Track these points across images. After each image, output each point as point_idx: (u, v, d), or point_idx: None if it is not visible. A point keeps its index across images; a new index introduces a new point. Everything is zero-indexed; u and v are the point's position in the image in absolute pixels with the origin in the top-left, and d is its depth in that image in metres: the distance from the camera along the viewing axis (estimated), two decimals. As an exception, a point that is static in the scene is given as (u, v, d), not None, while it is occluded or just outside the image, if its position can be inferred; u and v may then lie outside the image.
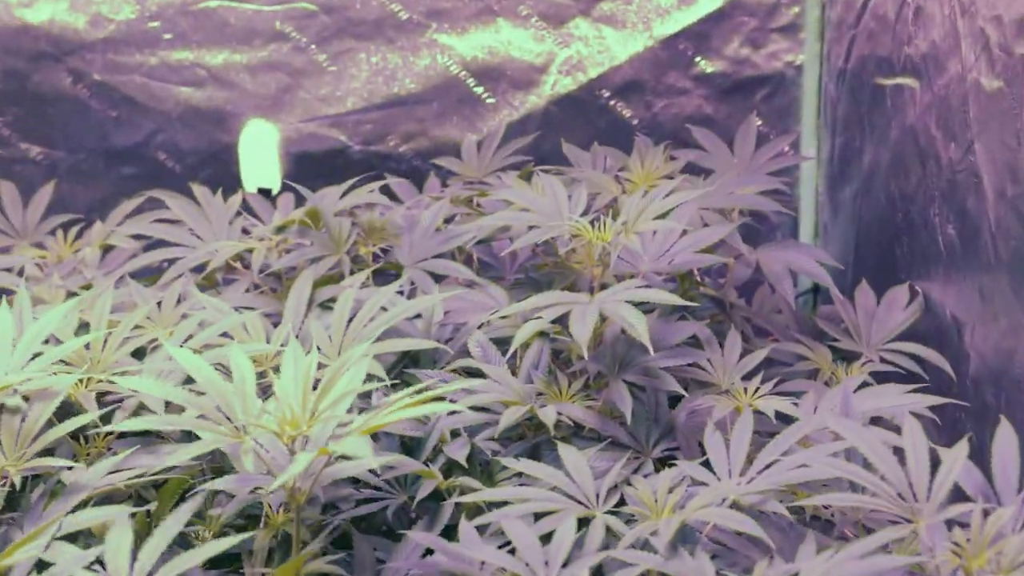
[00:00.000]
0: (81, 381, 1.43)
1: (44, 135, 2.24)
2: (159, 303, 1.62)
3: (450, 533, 1.39)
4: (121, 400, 1.44)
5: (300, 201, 1.87)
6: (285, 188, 2.07)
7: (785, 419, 1.46)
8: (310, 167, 2.25)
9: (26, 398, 1.33)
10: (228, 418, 1.21)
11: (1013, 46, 1.38)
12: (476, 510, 1.36)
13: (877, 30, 1.87)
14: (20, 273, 1.83)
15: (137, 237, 1.91)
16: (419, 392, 1.23)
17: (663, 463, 1.45)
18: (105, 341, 1.49)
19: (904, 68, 1.74)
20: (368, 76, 2.25)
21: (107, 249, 1.94)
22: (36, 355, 1.38)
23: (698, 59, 2.24)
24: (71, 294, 1.73)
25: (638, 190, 1.68)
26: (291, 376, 1.23)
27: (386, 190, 1.97)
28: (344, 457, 1.24)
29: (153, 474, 1.27)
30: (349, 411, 1.23)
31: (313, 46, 2.23)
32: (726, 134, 1.86)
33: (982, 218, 1.45)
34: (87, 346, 1.47)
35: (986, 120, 1.44)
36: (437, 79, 2.25)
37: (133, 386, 1.23)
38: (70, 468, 1.26)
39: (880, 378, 1.60)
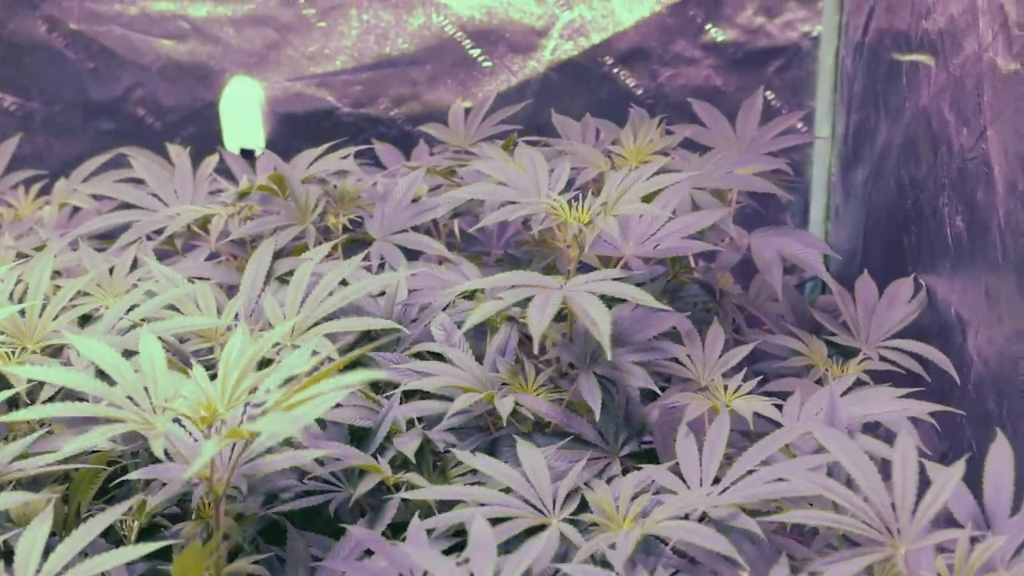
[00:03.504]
0: (11, 354, 1.33)
1: (18, 84, 2.15)
2: (111, 269, 1.53)
3: (400, 531, 1.29)
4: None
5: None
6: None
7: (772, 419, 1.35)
8: (296, 129, 2.15)
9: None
10: (139, 406, 1.11)
11: (1033, 24, 1.26)
12: (427, 510, 1.26)
13: (896, 1, 1.74)
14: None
15: (103, 197, 1.81)
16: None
17: (634, 458, 1.35)
18: (43, 310, 1.39)
19: (921, 44, 1.62)
20: (359, 34, 2.14)
21: (77, 208, 1.85)
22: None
23: (709, 26, 2.12)
24: (21, 256, 1.63)
25: (627, 166, 1.56)
26: (233, 358, 1.13)
27: (373, 156, 1.87)
28: (270, 451, 1.14)
29: (61, 462, 1.17)
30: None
31: (302, 0, 2.12)
32: (736, 108, 1.74)
33: (991, 212, 1.33)
34: (22, 314, 1.38)
35: (1000, 105, 1.32)
36: (431, 40, 2.13)
37: (35, 375, 1.11)
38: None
39: (879, 377, 1.49)
